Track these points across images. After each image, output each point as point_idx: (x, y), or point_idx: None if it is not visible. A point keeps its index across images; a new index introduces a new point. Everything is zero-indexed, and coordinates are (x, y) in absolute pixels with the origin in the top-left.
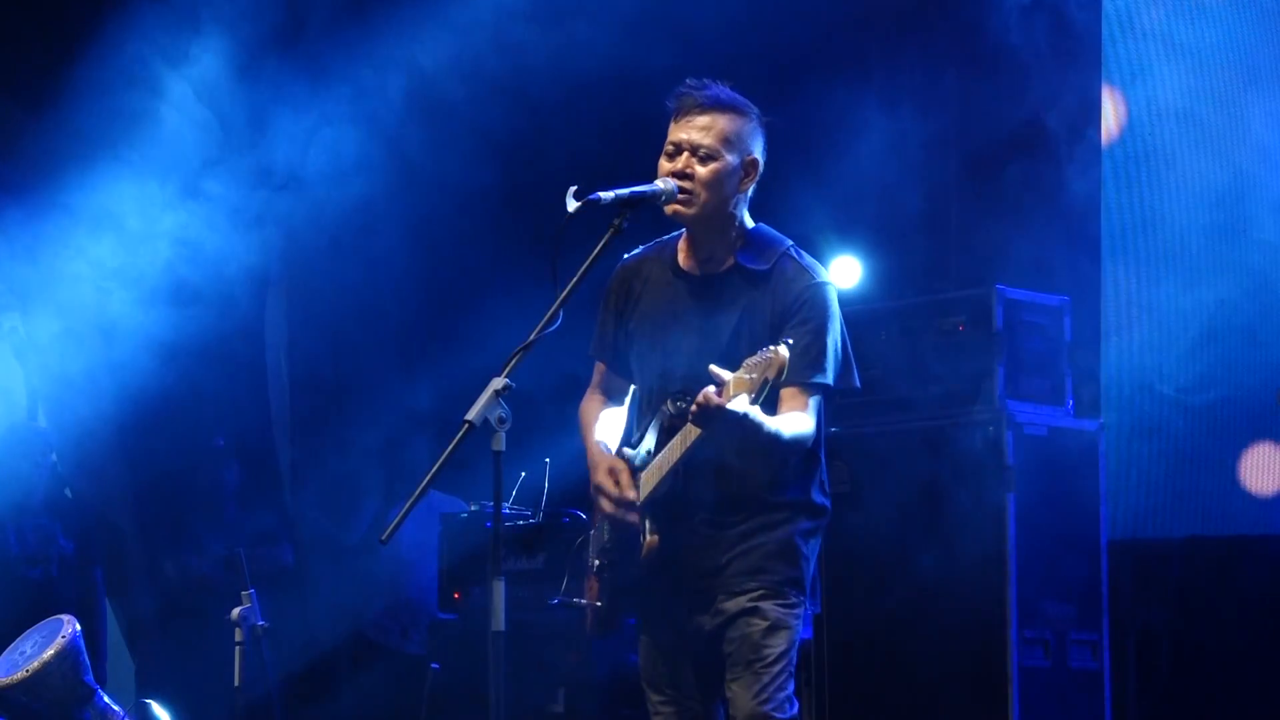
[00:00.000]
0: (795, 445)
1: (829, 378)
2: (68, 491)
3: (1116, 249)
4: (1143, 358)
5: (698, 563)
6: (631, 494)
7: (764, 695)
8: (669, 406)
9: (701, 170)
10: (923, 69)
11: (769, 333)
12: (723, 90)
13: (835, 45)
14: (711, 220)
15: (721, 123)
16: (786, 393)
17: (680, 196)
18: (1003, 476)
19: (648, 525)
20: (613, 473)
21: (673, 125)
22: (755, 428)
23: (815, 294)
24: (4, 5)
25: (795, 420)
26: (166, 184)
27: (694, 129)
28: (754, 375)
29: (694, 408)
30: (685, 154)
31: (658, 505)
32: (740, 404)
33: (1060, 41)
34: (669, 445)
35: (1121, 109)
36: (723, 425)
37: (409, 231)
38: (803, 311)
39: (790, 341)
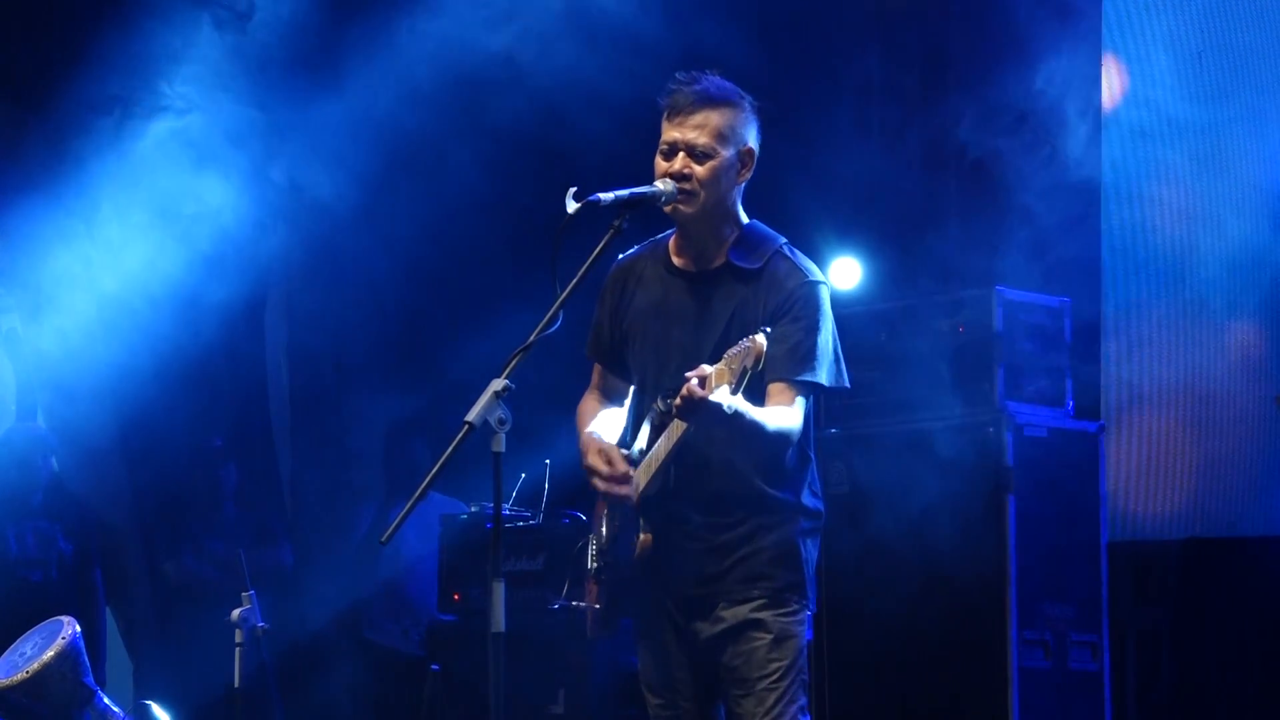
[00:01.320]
0: (780, 437)
1: (818, 376)
2: (67, 493)
3: (1116, 249)
4: (1142, 358)
5: (697, 568)
6: (623, 468)
7: (774, 713)
8: (659, 404)
9: (699, 169)
10: (923, 67)
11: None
12: (712, 83)
13: (835, 44)
14: (711, 216)
15: (715, 118)
16: (774, 388)
17: (680, 197)
18: (1003, 477)
19: (641, 523)
20: (602, 453)
21: (665, 124)
22: (738, 417)
23: (807, 292)
24: (4, 5)
25: (780, 413)
26: (166, 186)
27: (688, 128)
28: (733, 366)
29: (677, 401)
30: (681, 154)
31: (650, 503)
32: (722, 395)
33: (1060, 38)
34: (658, 443)
35: (1118, 79)
36: (706, 417)
37: (408, 233)
38: (794, 310)
39: (769, 330)
